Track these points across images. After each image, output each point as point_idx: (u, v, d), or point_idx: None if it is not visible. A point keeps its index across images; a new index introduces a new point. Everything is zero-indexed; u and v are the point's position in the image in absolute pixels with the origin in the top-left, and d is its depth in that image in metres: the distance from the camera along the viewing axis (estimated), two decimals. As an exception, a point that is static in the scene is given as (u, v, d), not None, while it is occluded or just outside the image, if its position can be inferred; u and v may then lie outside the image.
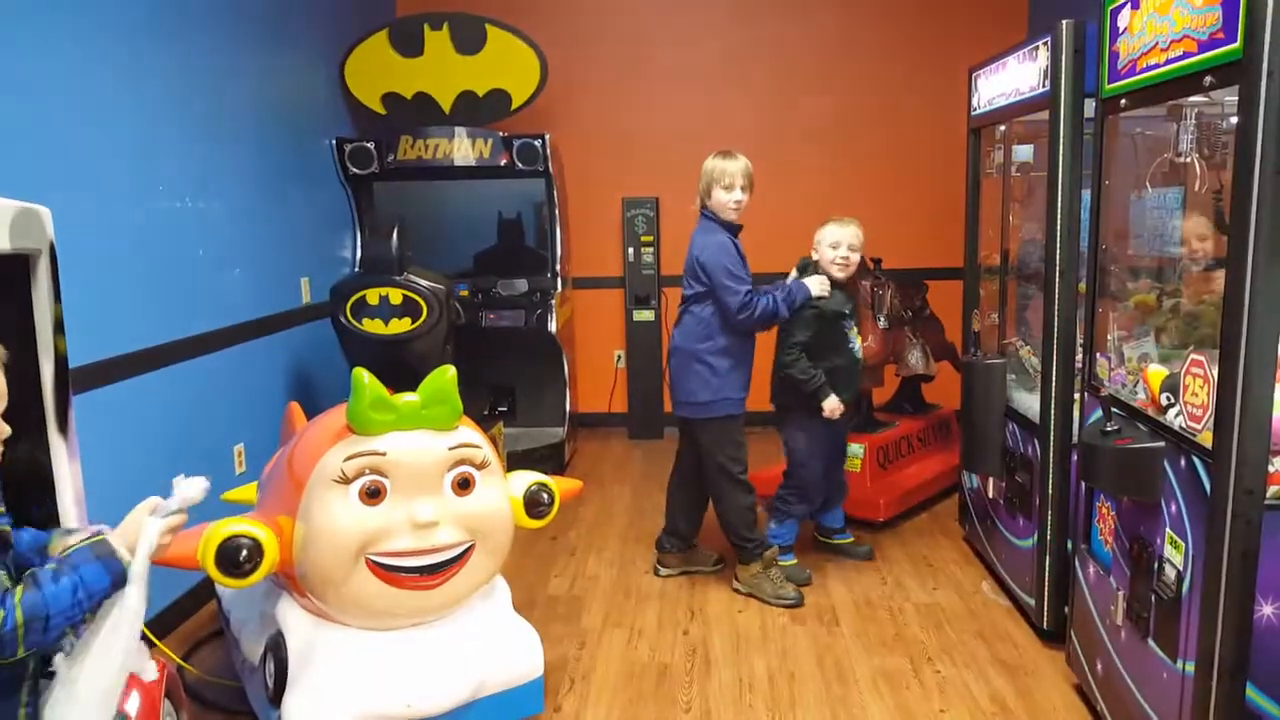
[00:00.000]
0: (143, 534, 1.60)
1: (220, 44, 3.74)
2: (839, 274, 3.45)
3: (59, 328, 1.76)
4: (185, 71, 3.47)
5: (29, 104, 2.64)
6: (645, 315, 5.81)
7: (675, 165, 5.86)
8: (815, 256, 3.51)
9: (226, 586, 2.22)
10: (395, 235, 3.83)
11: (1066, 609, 2.85)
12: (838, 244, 3.44)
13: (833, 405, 3.40)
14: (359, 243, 5.04)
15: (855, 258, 3.48)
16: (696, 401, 3.43)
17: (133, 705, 1.63)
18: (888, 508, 4.12)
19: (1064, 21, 2.87)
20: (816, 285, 3.40)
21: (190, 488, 1.70)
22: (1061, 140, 2.88)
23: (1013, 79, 3.30)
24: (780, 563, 3.53)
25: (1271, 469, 1.94)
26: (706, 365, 3.39)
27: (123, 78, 3.10)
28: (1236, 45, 1.84)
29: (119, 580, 1.55)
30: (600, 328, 5.97)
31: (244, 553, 2.04)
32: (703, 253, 3.37)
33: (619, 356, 6.00)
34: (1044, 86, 2.96)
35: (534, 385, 5.42)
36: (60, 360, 1.75)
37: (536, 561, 3.87)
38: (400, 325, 3.83)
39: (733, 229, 3.44)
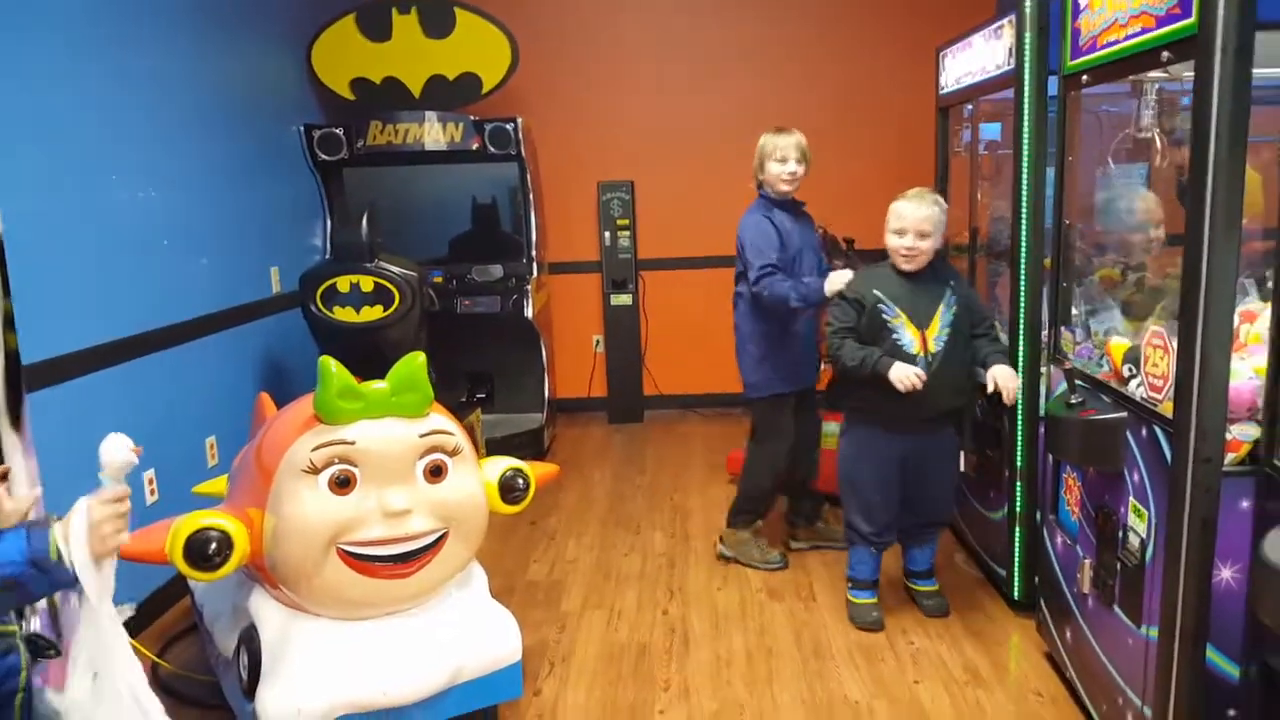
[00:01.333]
0: (74, 514, 1.45)
1: (182, 30, 3.69)
2: (906, 266, 2.88)
3: (9, 323, 1.74)
4: (146, 59, 3.43)
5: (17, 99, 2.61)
6: (623, 299, 5.80)
7: (650, 148, 5.86)
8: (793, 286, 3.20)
9: (196, 580, 2.21)
10: (365, 222, 3.81)
11: (1036, 579, 2.89)
12: (903, 230, 2.86)
13: (902, 373, 2.76)
14: (329, 230, 5.00)
15: (925, 246, 2.85)
16: (746, 381, 3.48)
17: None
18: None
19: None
20: (837, 282, 3.06)
21: (112, 451, 1.53)
22: (1026, 117, 2.90)
23: (979, 57, 3.31)
24: (851, 598, 3.15)
25: (1229, 437, 1.97)
26: (752, 345, 3.43)
27: (82, 66, 3.05)
28: (1191, 20, 1.86)
29: (39, 553, 1.41)
30: (578, 312, 5.97)
31: (213, 546, 2.03)
32: (742, 231, 3.40)
33: (597, 341, 6.00)
34: (1009, 64, 2.98)
35: (512, 371, 5.42)
36: (11, 355, 1.73)
37: (516, 547, 3.88)
38: (372, 313, 3.82)
39: (786, 205, 3.40)
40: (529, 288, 5.07)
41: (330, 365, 2.12)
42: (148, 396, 3.32)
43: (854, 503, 3.09)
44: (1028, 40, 2.88)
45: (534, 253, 5.26)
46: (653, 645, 3.03)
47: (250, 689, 2.14)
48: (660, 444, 5.38)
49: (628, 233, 5.74)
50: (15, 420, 1.71)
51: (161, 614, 3.30)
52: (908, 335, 2.86)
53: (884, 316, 2.88)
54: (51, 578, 1.42)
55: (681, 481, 4.67)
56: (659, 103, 5.83)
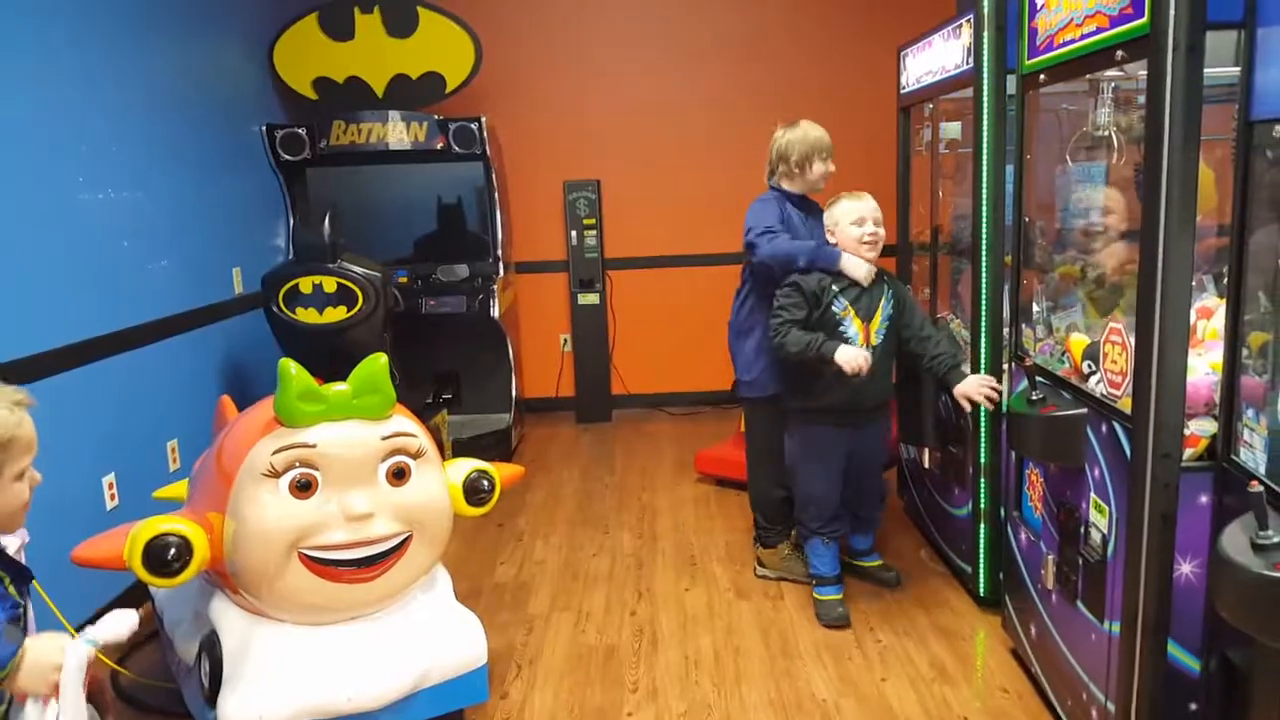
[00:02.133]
0: (67, 655, 1.48)
1: (142, 29, 3.62)
2: (870, 254, 2.98)
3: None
4: (105, 58, 3.36)
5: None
6: (590, 298, 5.79)
7: (616, 147, 5.86)
8: (833, 241, 3.04)
9: (156, 586, 2.17)
10: (328, 222, 3.77)
11: (1001, 575, 2.92)
12: (862, 219, 2.97)
13: (849, 355, 2.83)
14: (292, 231, 4.94)
15: (882, 232, 3.01)
16: (741, 380, 3.38)
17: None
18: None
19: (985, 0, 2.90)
20: (859, 269, 2.97)
21: (115, 622, 1.58)
22: (985, 116, 2.93)
23: (939, 56, 3.33)
24: (816, 596, 3.18)
25: (1187, 432, 2.00)
26: (751, 342, 3.31)
27: (41, 66, 2.99)
28: (1144, 20, 1.88)
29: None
30: (545, 312, 5.95)
31: (173, 551, 2.00)
32: (749, 215, 3.19)
33: (565, 340, 5.98)
34: (968, 64, 3.00)
35: (479, 371, 5.39)
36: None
37: (483, 549, 3.86)
38: (335, 314, 3.78)
39: (798, 201, 3.26)
40: (495, 287, 5.04)
41: (290, 367, 2.09)
42: (108, 399, 3.26)
43: (806, 500, 3.19)
44: (986, 39, 2.90)
45: (500, 252, 5.23)
46: (621, 646, 3.02)
47: (211, 696, 2.10)
48: (628, 443, 5.37)
49: (594, 232, 5.73)
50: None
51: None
52: (854, 328, 2.98)
53: (834, 309, 2.97)
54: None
55: (650, 481, 4.66)
56: (624, 102, 5.83)
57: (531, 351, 5.90)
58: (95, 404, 3.19)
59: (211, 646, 2.14)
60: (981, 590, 3.15)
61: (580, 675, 2.85)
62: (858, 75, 5.51)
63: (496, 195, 5.20)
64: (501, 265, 5.21)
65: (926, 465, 3.58)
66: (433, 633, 2.25)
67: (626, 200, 5.85)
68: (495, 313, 5.01)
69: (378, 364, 2.20)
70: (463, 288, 5.05)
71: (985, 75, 2.92)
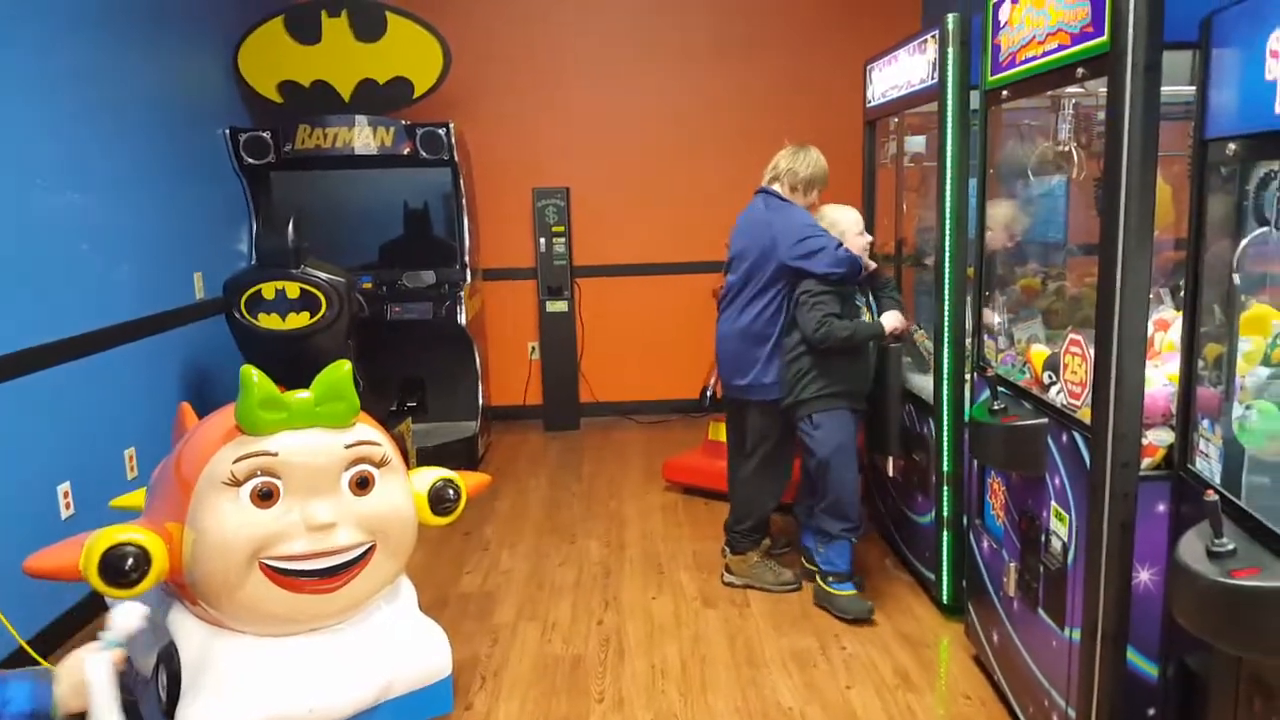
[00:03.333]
0: (87, 670, 1.52)
1: (103, 30, 3.57)
2: (869, 260, 3.33)
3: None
4: (65, 59, 3.30)
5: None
6: (558, 306, 5.78)
7: (585, 156, 5.86)
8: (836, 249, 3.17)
9: (113, 598, 2.12)
10: (291, 227, 3.73)
11: (964, 583, 2.95)
12: (863, 231, 3.33)
13: (894, 319, 3.25)
14: (255, 235, 4.88)
15: None
16: (758, 383, 3.34)
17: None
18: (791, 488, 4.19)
19: (950, 15, 2.94)
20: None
21: (127, 616, 1.63)
22: (949, 131, 2.97)
23: (904, 71, 3.38)
24: (838, 592, 3.23)
25: (1145, 442, 2.04)
26: (769, 348, 3.31)
27: (10, 69, 2.94)
28: (1104, 38, 1.92)
29: (43, 708, 1.48)
30: (513, 319, 5.93)
31: (130, 561, 1.94)
32: (804, 229, 3.23)
33: (533, 348, 5.96)
34: (933, 78, 3.05)
35: (445, 379, 5.34)
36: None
37: (448, 559, 3.82)
38: (299, 320, 3.73)
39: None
40: (462, 294, 5.01)
41: (252, 374, 2.05)
42: (65, 406, 3.19)
43: (845, 494, 3.20)
44: (950, 55, 2.95)
45: (467, 259, 5.20)
46: (587, 656, 3.01)
47: (169, 709, 2.06)
48: (596, 451, 5.36)
49: (563, 239, 5.73)
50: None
51: (75, 633, 3.16)
52: (866, 318, 3.28)
53: (857, 303, 3.26)
54: None
55: (618, 489, 4.66)
56: (594, 110, 5.84)
57: (499, 359, 5.87)
58: (50, 410, 3.12)
59: (169, 658, 2.10)
60: (945, 598, 3.18)
61: (546, 686, 2.83)
62: (825, 88, 5.56)
63: (464, 201, 5.18)
64: (469, 272, 5.18)
65: (891, 473, 3.61)
66: (396, 643, 2.22)
67: (596, 208, 5.86)
68: (462, 320, 4.97)
69: (341, 371, 2.16)
70: (429, 294, 5.01)
71: (949, 90, 2.96)
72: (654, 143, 5.86)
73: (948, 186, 3.00)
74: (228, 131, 4.73)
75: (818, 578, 3.30)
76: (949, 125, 2.96)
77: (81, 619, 3.20)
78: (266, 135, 4.76)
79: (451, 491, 2.40)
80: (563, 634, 3.16)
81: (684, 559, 3.76)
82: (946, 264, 3.04)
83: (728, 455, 3.69)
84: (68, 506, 3.17)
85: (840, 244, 3.18)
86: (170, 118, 4.13)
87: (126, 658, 1.58)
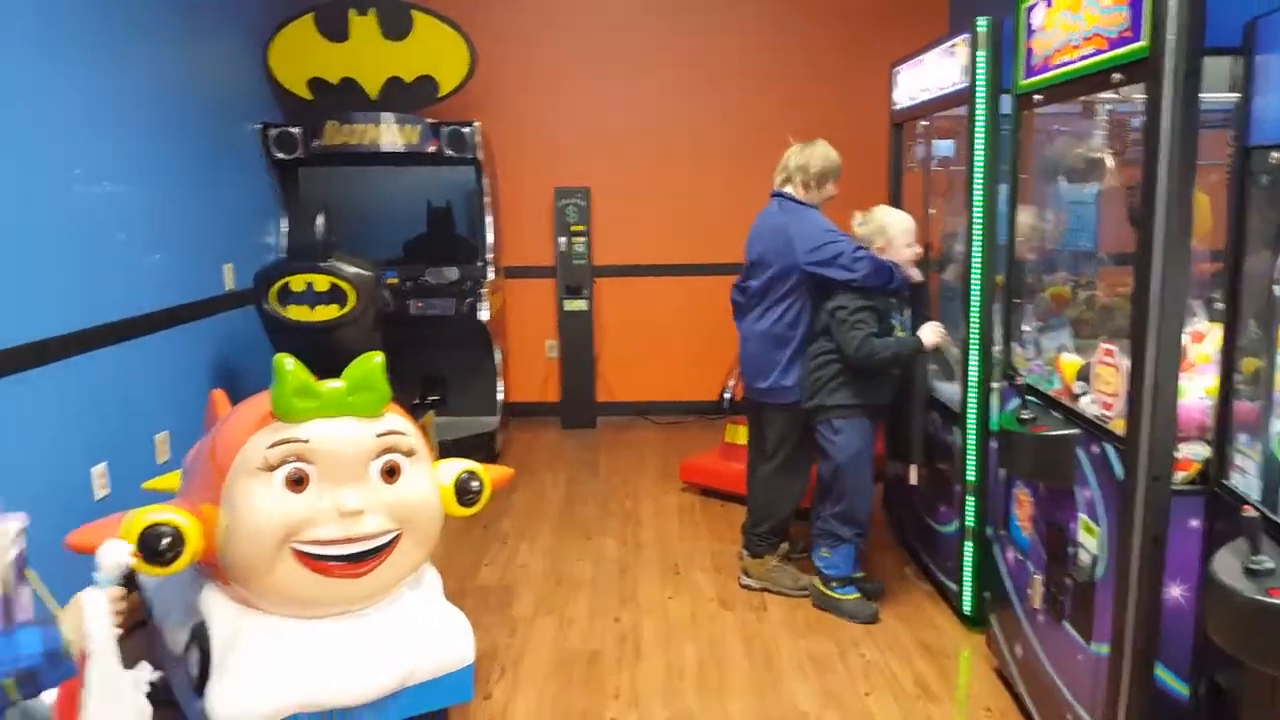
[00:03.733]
0: (85, 607, 1.57)
1: (140, 25, 3.60)
2: (914, 272, 3.28)
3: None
4: (103, 56, 3.34)
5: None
6: (577, 305, 5.79)
7: (607, 155, 5.88)
8: (879, 254, 3.17)
9: (148, 575, 2.15)
10: (321, 221, 3.76)
11: (987, 594, 2.93)
12: (913, 242, 3.24)
13: (931, 334, 3.18)
14: (284, 228, 4.92)
15: None
16: (777, 385, 3.34)
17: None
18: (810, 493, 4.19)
19: (980, 18, 2.93)
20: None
21: (108, 553, 1.67)
22: (979, 136, 2.96)
23: (933, 74, 3.37)
24: (842, 596, 3.25)
25: (1179, 456, 2.02)
26: (790, 351, 3.31)
27: (39, 64, 2.96)
28: (1143, 44, 1.91)
29: (54, 646, 1.51)
30: (532, 317, 5.94)
31: (166, 540, 1.98)
32: (816, 232, 3.23)
33: (551, 346, 5.97)
34: (963, 82, 3.04)
35: (465, 374, 5.37)
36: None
37: (468, 551, 3.84)
38: (327, 312, 3.76)
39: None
40: (484, 291, 5.03)
41: (286, 363, 2.08)
42: (100, 390, 3.23)
43: (858, 500, 3.21)
44: (981, 59, 2.93)
45: (489, 256, 5.23)
46: (604, 653, 3.01)
47: (200, 686, 2.08)
48: (612, 450, 5.37)
49: (583, 239, 5.74)
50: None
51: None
52: (900, 334, 3.24)
53: (893, 321, 3.21)
54: (61, 670, 1.53)
55: (634, 488, 4.66)
56: (616, 111, 5.85)
57: (518, 356, 5.89)
58: (86, 394, 3.15)
59: (201, 637, 2.12)
60: (967, 608, 3.17)
61: (563, 680, 2.84)
62: (849, 89, 5.56)
63: (487, 200, 5.21)
64: (490, 269, 5.20)
65: (913, 482, 3.60)
66: (420, 630, 2.24)
67: (616, 208, 5.87)
68: (483, 316, 5.00)
69: (373, 362, 2.19)
70: (451, 290, 5.03)
71: (980, 95, 2.95)
72: (675, 143, 5.87)
73: (977, 192, 2.99)
74: (259, 127, 4.77)
75: (817, 582, 3.29)
76: (979, 130, 2.95)
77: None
78: (296, 131, 4.79)
79: (476, 483, 2.43)
80: (580, 629, 3.17)
81: (701, 560, 3.76)
82: (975, 270, 3.03)
83: (747, 458, 3.69)
84: (102, 487, 3.20)
85: (860, 247, 3.16)
86: (204, 112, 4.17)
87: (123, 595, 1.64)
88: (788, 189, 3.33)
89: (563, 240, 5.73)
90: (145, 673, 1.65)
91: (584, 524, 4.18)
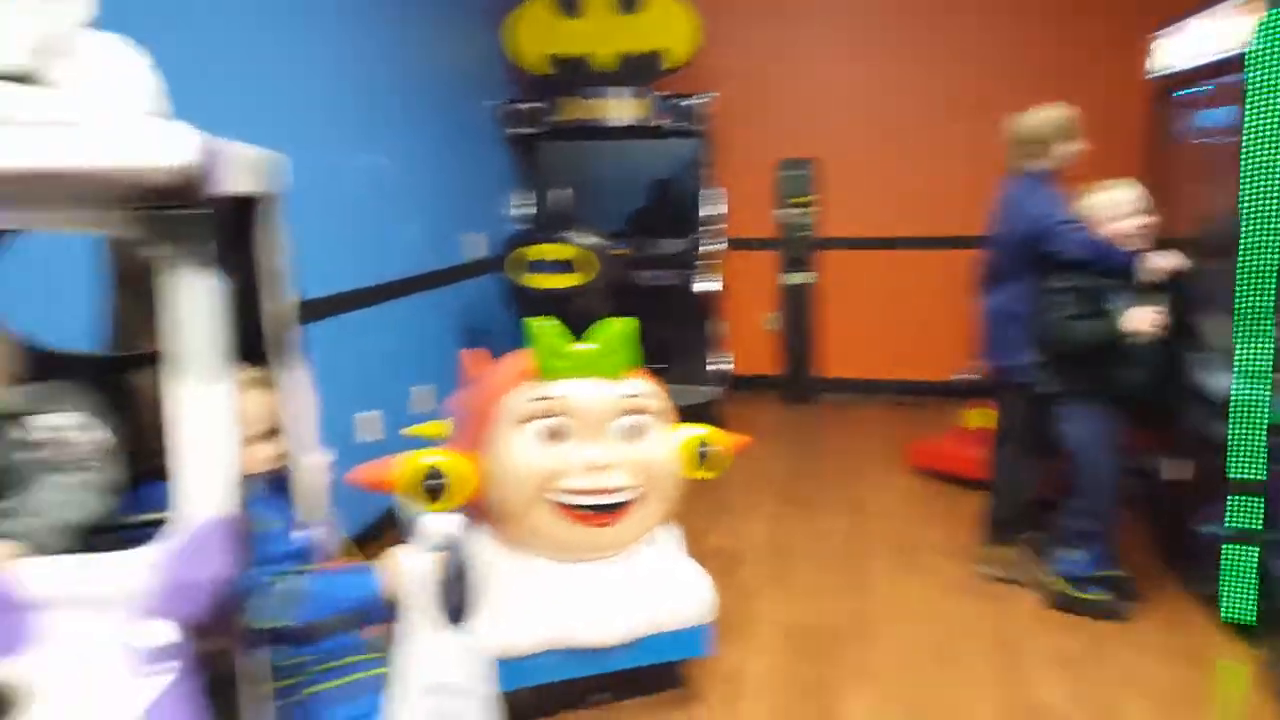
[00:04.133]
0: (405, 566, 1.67)
1: (395, 10, 3.89)
2: (1142, 245, 2.90)
3: (287, 268, 1.88)
4: (362, 40, 3.63)
5: (256, 70, 2.88)
6: (799, 278, 5.72)
7: (835, 126, 5.73)
8: (1098, 236, 2.91)
9: (419, 511, 2.35)
10: (563, 194, 3.94)
11: (1259, 601, 2.64)
12: (1136, 209, 2.90)
13: (1138, 315, 2.76)
14: (525, 201, 5.17)
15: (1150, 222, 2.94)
16: (1008, 363, 3.21)
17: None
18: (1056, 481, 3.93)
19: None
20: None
21: (435, 523, 1.76)
22: (1262, 103, 2.62)
23: (1205, 39, 3.03)
24: (1085, 596, 3.03)
25: None
26: (1013, 329, 3.17)
27: (309, 46, 3.28)
28: None
29: (371, 594, 1.64)
30: (754, 290, 5.91)
31: (437, 481, 2.16)
32: (1032, 202, 3.08)
33: (772, 319, 5.93)
34: (1247, 46, 2.69)
35: (688, 345, 5.43)
36: (287, 299, 1.86)
37: (692, 516, 3.87)
38: (566, 280, 3.94)
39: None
40: (707, 263, 5.07)
41: (545, 326, 2.22)
42: (363, 345, 3.56)
43: (1096, 491, 2.98)
44: (1274, 20, 2.59)
45: (713, 228, 5.25)
46: (834, 628, 2.98)
47: (456, 619, 2.25)
48: (836, 428, 5.28)
49: (808, 210, 5.64)
50: (291, 359, 1.83)
51: (377, 538, 3.52)
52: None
53: (1109, 304, 2.86)
54: (385, 614, 1.65)
55: (859, 467, 4.56)
56: (846, 81, 5.68)
57: (738, 328, 5.89)
58: (352, 348, 3.49)
59: (461, 573, 2.30)
60: (1228, 614, 2.86)
61: (792, 650, 2.84)
62: (1101, 54, 5.10)
63: (713, 172, 5.23)
64: (714, 241, 5.23)
65: (1169, 477, 3.29)
66: (662, 583, 2.33)
67: (843, 179, 5.72)
68: (706, 287, 5.04)
69: (622, 327, 2.30)
70: (676, 262, 5.11)
71: (1269, 59, 2.60)
72: (908, 113, 5.62)
73: (1257, 167, 2.65)
74: (499, 103, 5.03)
75: (1061, 579, 3.07)
76: (1262, 97, 2.61)
77: (380, 527, 3.55)
78: (533, 106, 5.02)
79: (714, 448, 2.47)
80: (811, 603, 3.15)
81: (933, 544, 3.62)
82: (1249, 253, 2.70)
83: (990, 442, 3.51)
84: (362, 432, 3.52)
85: (1072, 221, 2.92)
86: (448, 92, 4.46)
87: (442, 560, 1.72)
88: (1026, 163, 3.14)
89: (786, 212, 5.66)
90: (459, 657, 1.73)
91: (808, 499, 4.15)
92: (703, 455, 2.44)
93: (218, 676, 1.23)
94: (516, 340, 3.55)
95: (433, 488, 2.18)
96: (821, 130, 5.73)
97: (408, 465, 2.17)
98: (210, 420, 1.22)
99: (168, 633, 1.18)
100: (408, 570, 1.66)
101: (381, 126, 3.80)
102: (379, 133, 3.78)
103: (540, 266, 3.92)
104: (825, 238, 5.72)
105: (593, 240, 3.97)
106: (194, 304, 1.23)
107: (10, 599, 1.13)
